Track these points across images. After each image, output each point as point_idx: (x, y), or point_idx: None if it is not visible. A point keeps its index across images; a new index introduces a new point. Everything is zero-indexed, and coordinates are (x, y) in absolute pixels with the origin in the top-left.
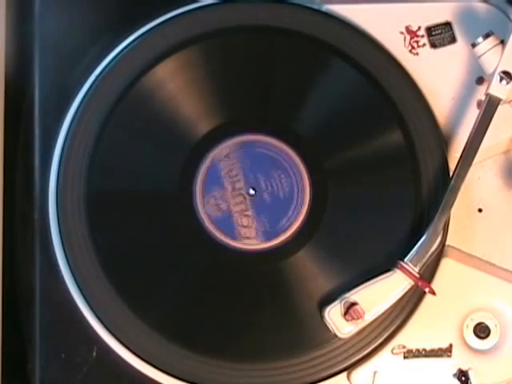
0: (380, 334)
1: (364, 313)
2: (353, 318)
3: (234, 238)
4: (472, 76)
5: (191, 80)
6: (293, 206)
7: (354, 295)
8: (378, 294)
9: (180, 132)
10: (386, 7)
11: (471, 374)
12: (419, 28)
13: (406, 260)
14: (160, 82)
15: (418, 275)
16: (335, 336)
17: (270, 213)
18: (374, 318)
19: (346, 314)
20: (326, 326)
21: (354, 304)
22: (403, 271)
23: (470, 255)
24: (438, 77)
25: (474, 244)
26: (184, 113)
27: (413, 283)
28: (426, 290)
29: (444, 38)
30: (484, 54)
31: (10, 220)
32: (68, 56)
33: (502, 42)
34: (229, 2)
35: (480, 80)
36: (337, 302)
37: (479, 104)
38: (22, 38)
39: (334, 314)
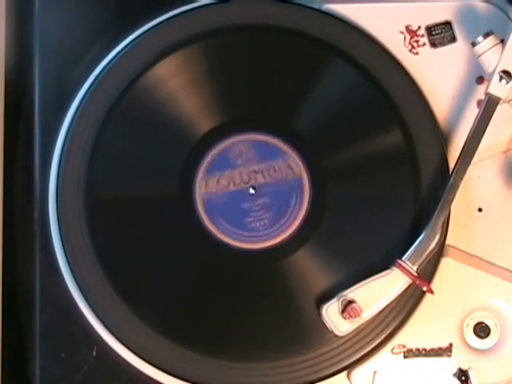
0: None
1: (361, 311)
2: (350, 316)
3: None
4: (472, 75)
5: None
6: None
7: (351, 293)
8: (376, 293)
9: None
10: (386, 7)
11: (471, 374)
12: (419, 27)
13: (404, 258)
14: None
15: (416, 274)
16: (335, 335)
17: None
18: (371, 316)
19: (343, 311)
20: (324, 324)
21: (351, 302)
22: (401, 270)
23: (469, 255)
24: (437, 76)
25: (473, 243)
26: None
27: (411, 282)
28: (424, 288)
29: (444, 37)
30: (484, 53)
31: (9, 220)
32: (68, 56)
33: (502, 42)
34: (228, 1)
35: (480, 79)
36: (334, 299)
37: (479, 103)
38: (22, 38)
39: (331, 312)
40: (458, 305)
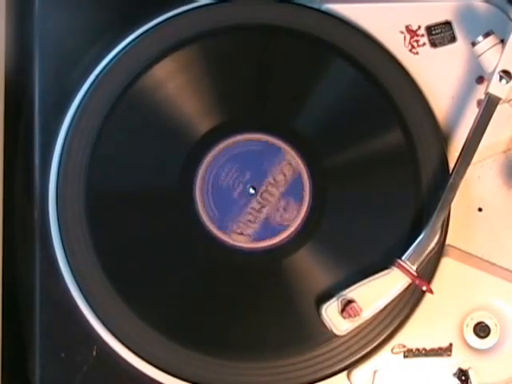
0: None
1: (361, 310)
2: (350, 316)
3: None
4: (472, 75)
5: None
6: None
7: (351, 293)
8: (376, 292)
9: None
10: (386, 6)
11: (471, 374)
12: (419, 27)
13: (403, 258)
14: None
15: (415, 273)
16: (334, 335)
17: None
18: (371, 315)
19: (343, 311)
20: (324, 323)
21: (351, 301)
22: (401, 269)
23: (469, 254)
24: (437, 76)
25: (473, 243)
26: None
27: (410, 282)
28: (424, 288)
29: (444, 37)
30: (484, 53)
31: (9, 220)
32: (68, 56)
33: (502, 41)
34: (228, 1)
35: (480, 79)
36: (334, 299)
37: (479, 103)
38: (22, 38)
39: (331, 312)
40: (457, 305)
